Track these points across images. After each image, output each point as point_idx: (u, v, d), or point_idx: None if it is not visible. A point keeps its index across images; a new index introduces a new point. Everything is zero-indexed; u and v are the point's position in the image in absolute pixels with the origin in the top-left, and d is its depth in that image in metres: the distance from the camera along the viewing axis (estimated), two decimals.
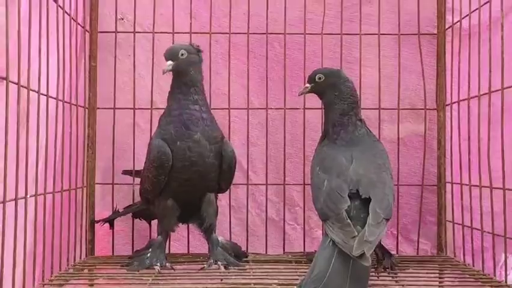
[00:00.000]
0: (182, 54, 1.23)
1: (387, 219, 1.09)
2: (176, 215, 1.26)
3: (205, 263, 1.24)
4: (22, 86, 1.00)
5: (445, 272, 1.24)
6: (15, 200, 0.97)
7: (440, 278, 1.23)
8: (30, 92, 1.03)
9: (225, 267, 1.20)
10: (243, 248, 1.38)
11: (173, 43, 1.44)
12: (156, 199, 1.27)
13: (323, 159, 1.21)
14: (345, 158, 1.17)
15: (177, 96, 1.25)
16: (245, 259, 1.32)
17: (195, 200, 1.26)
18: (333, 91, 1.24)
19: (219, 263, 1.21)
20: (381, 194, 1.10)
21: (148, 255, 1.22)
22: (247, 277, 1.13)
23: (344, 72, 1.29)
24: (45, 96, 1.13)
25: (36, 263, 1.07)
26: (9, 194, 0.95)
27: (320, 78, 1.27)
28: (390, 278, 1.14)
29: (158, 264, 1.19)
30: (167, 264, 1.21)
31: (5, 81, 0.93)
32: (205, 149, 1.22)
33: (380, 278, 1.14)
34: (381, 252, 1.24)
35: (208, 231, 1.27)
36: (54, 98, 1.19)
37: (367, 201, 1.08)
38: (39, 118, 1.09)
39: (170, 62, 1.23)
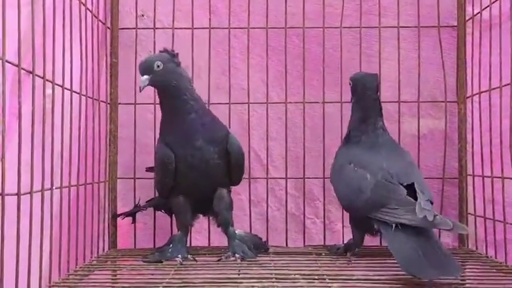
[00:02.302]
0: (158, 66, 1.19)
1: (432, 202, 1.15)
2: (189, 209, 1.27)
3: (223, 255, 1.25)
4: (47, 80, 1.02)
5: (467, 264, 1.23)
6: (42, 191, 0.99)
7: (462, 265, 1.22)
8: (55, 86, 1.06)
9: (242, 259, 1.21)
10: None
11: (192, 39, 1.46)
12: (169, 196, 1.29)
13: (356, 155, 1.24)
14: (378, 155, 1.22)
15: (170, 109, 1.22)
16: (265, 251, 1.33)
17: (206, 196, 1.27)
18: (356, 96, 1.28)
19: (236, 255, 1.22)
20: (421, 181, 1.18)
21: (170, 249, 1.23)
22: (268, 268, 1.14)
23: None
24: (68, 91, 1.15)
25: (62, 254, 1.09)
26: (35, 186, 0.97)
27: (349, 84, 1.31)
28: None
29: (180, 256, 1.20)
30: (189, 256, 1.22)
31: (31, 75, 0.95)
32: (208, 153, 1.22)
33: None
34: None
35: (223, 226, 1.28)
36: (78, 93, 1.21)
37: (410, 189, 1.14)
38: (63, 112, 1.11)
39: (146, 77, 1.18)
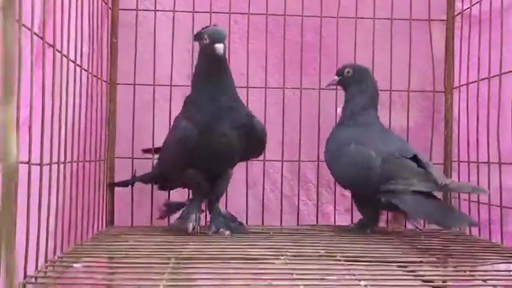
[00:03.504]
0: (224, 38, 1.21)
1: None
2: (203, 178, 1.28)
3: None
4: (64, 56, 1.03)
5: (452, 243, 1.30)
6: (50, 164, 0.98)
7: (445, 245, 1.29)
8: (66, 62, 1.06)
9: (230, 233, 1.24)
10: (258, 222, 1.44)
11: (193, 22, 1.48)
12: (176, 171, 1.29)
13: (355, 136, 1.30)
14: (376, 136, 1.31)
15: (205, 85, 1.23)
16: (263, 230, 1.37)
17: (214, 175, 1.30)
18: (358, 86, 1.35)
19: (221, 229, 1.25)
20: (421, 154, 1.28)
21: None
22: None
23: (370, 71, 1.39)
24: (77, 68, 1.16)
25: (58, 230, 1.03)
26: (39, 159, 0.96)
27: (348, 72, 1.37)
28: (410, 247, 1.20)
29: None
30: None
31: (51, 48, 0.97)
32: (233, 139, 1.24)
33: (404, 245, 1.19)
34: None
35: (214, 201, 1.30)
36: (86, 70, 1.22)
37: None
38: (74, 89, 1.12)
39: (222, 45, 1.18)
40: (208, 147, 1.22)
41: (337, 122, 1.42)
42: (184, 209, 1.30)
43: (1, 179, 0.59)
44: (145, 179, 1.43)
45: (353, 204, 1.44)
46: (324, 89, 1.50)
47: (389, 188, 1.21)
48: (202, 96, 1.24)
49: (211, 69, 1.23)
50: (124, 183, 1.45)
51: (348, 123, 1.36)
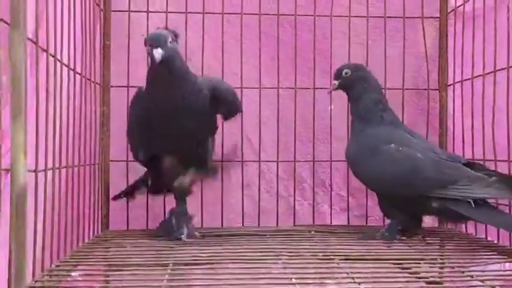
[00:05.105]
0: (170, 42, 1.15)
1: None
2: (180, 167, 1.27)
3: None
4: (58, 60, 1.02)
5: (446, 239, 1.30)
6: (45, 171, 0.97)
7: (441, 243, 1.28)
8: (60, 65, 1.05)
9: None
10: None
11: (186, 23, 1.47)
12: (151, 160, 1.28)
13: (392, 135, 1.26)
14: (408, 134, 1.29)
15: (156, 88, 1.20)
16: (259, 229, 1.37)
17: (192, 150, 1.27)
18: (362, 84, 1.31)
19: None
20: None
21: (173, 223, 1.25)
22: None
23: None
24: (70, 71, 1.15)
25: (54, 237, 1.03)
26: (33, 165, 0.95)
27: (346, 73, 1.32)
28: (403, 245, 1.20)
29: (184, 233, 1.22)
30: (196, 233, 1.25)
31: (44, 52, 0.95)
32: (189, 125, 1.20)
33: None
34: None
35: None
36: (79, 74, 1.21)
37: None
38: (68, 92, 1.11)
39: (159, 50, 1.12)
40: (164, 132, 1.21)
41: (352, 121, 1.34)
42: (171, 215, 1.28)
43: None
44: (136, 184, 1.42)
45: (346, 206, 1.44)
46: (318, 88, 1.50)
47: (445, 194, 1.16)
48: (154, 88, 1.21)
49: (157, 73, 1.19)
50: (122, 195, 1.43)
51: (375, 119, 1.29)
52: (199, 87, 1.23)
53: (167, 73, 1.17)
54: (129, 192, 1.44)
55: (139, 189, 1.43)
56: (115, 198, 1.44)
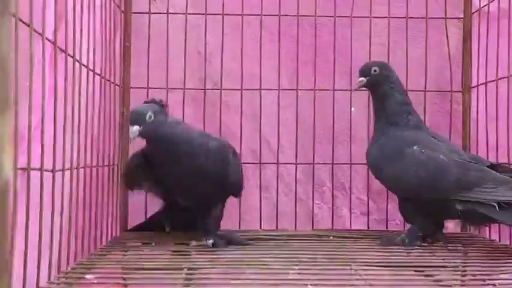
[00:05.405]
0: (150, 117, 1.14)
1: None
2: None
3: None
4: (77, 61, 1.02)
5: (469, 245, 1.27)
6: (63, 170, 0.97)
7: (464, 250, 1.26)
8: (79, 66, 1.06)
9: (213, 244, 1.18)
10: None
11: (205, 24, 1.47)
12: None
13: (416, 138, 1.24)
14: (432, 137, 1.27)
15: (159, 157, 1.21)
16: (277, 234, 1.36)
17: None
18: (388, 83, 1.29)
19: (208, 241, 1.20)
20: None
21: None
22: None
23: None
24: (89, 72, 1.15)
25: (71, 237, 1.01)
26: (58, 165, 0.95)
27: (375, 71, 1.29)
28: (423, 251, 1.18)
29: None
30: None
31: (63, 53, 0.96)
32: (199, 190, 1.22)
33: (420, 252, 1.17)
34: None
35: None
36: (98, 75, 1.21)
37: None
38: (87, 94, 1.11)
39: (135, 128, 1.11)
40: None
41: (376, 122, 1.32)
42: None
43: None
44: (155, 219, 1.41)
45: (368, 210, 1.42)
46: (338, 90, 1.48)
47: (470, 197, 1.14)
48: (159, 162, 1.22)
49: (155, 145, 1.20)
50: (140, 228, 1.43)
51: (400, 122, 1.27)
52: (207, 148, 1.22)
53: (157, 146, 1.19)
54: (149, 225, 1.43)
55: (159, 225, 1.40)
56: (133, 229, 1.44)
